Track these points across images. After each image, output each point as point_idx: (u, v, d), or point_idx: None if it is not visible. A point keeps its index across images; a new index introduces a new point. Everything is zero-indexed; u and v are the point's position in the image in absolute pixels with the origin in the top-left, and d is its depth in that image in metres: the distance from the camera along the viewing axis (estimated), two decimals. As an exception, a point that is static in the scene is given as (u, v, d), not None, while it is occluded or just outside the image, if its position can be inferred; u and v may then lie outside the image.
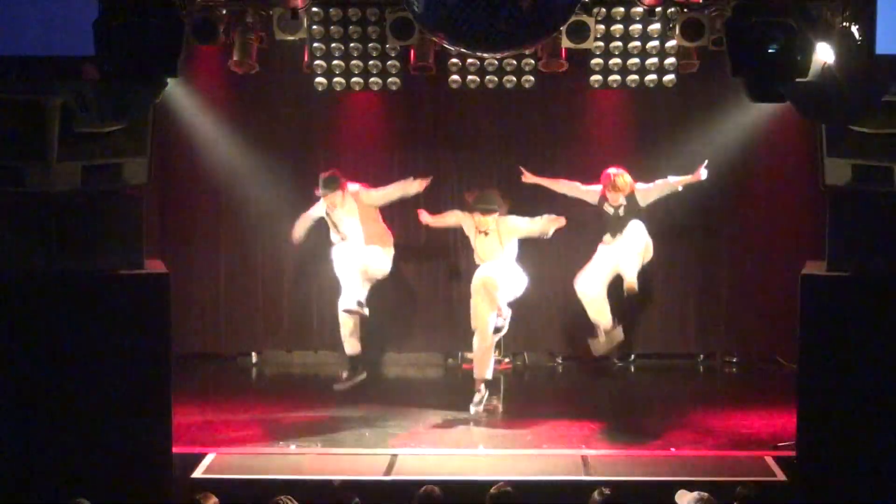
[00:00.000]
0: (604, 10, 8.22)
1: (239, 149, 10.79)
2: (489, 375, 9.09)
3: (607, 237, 9.41)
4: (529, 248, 10.21)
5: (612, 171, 9.33)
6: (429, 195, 10.88)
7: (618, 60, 8.41)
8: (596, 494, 6.00)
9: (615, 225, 9.33)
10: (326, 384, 9.50)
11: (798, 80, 6.34)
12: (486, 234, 9.08)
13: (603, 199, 9.36)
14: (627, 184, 9.28)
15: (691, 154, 10.73)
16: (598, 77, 8.52)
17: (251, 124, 10.76)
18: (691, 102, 10.57)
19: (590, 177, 10.62)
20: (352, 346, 9.41)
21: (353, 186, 9.44)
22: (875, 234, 7.22)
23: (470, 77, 8.68)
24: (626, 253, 9.18)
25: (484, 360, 9.05)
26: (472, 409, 8.98)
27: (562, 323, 10.21)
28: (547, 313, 10.77)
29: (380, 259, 9.50)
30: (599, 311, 9.32)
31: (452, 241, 10.80)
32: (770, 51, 6.21)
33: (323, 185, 9.32)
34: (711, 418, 8.99)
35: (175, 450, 7.54)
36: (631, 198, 9.33)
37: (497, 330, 9.13)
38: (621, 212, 9.31)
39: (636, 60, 8.41)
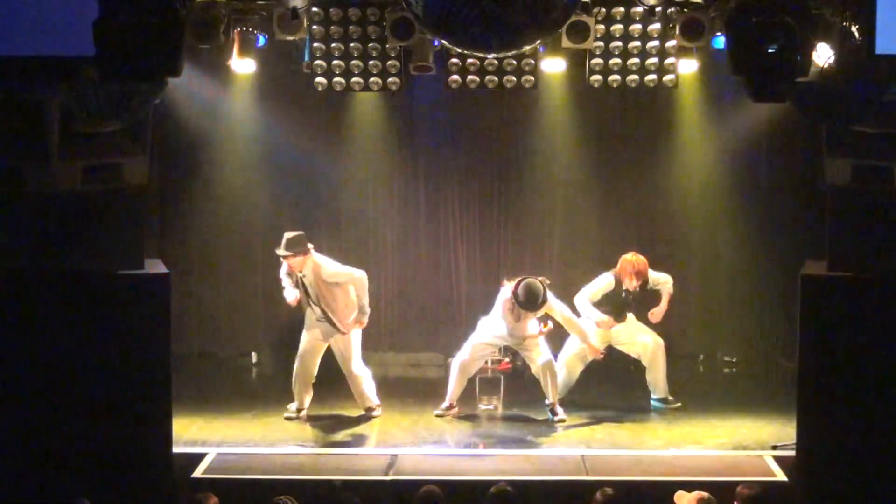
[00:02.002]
0: (604, 10, 8.21)
1: (238, 148, 10.79)
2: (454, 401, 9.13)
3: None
4: (530, 251, 10.26)
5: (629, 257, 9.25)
6: (429, 196, 10.91)
7: (618, 60, 8.39)
8: (598, 494, 6.00)
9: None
10: (326, 384, 9.48)
11: (798, 79, 6.33)
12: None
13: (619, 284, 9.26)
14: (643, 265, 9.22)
15: (691, 154, 10.76)
16: (598, 77, 8.50)
17: (251, 124, 10.75)
18: (691, 102, 10.57)
19: (587, 176, 10.67)
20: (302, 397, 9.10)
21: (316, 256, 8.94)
22: (875, 234, 7.21)
23: (470, 77, 8.67)
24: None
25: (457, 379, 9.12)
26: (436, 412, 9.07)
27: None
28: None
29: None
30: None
31: (453, 241, 10.82)
32: (770, 51, 6.20)
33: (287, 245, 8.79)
34: (711, 418, 8.99)
35: (175, 450, 7.54)
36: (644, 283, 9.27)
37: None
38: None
39: (636, 60, 8.40)
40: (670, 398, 9.32)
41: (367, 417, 9.01)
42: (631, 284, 9.19)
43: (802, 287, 7.30)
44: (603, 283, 9.25)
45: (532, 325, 8.96)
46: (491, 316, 9.07)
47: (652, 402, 9.34)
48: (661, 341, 9.31)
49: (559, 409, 8.95)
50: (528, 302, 8.72)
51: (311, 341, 9.04)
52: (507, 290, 8.90)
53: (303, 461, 8.00)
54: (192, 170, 10.84)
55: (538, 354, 8.96)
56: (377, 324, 11.01)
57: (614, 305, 9.27)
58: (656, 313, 9.31)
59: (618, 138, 10.85)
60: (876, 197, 7.12)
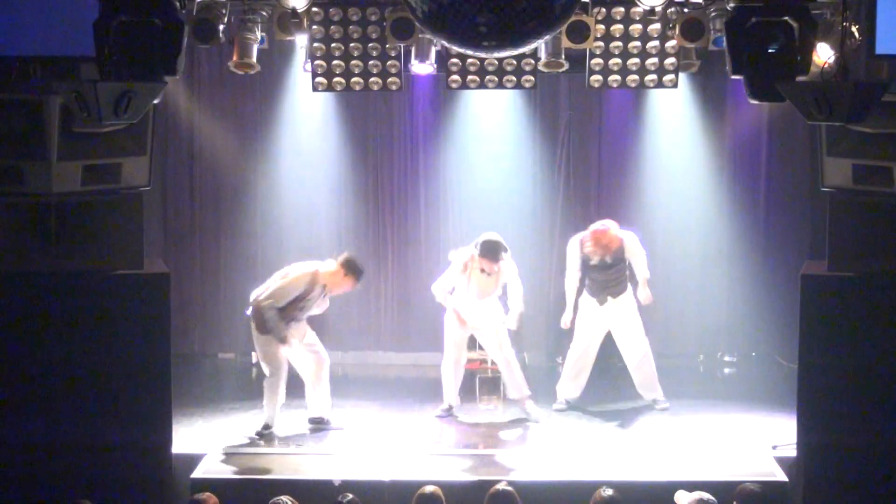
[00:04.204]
0: (604, 10, 8.22)
1: (239, 149, 10.79)
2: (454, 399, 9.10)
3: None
4: (529, 250, 10.26)
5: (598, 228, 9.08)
6: (429, 195, 10.91)
7: (618, 60, 8.40)
8: (597, 494, 6.00)
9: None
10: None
11: (798, 79, 6.33)
12: (489, 274, 8.92)
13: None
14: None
15: (691, 154, 10.77)
16: (598, 77, 8.51)
17: (251, 124, 10.76)
18: (691, 102, 10.58)
19: (587, 176, 10.69)
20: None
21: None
22: (875, 234, 7.21)
23: (470, 77, 8.67)
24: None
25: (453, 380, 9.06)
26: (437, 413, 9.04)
27: (561, 323, 10.18)
28: (546, 314, 10.76)
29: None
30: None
31: (453, 241, 10.80)
32: (770, 51, 6.20)
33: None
34: (711, 418, 8.99)
35: (175, 450, 7.55)
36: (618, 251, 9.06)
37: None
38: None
39: (636, 60, 8.40)
40: (660, 399, 9.25)
41: (367, 417, 8.99)
42: (590, 250, 9.05)
43: (802, 287, 7.31)
44: (571, 247, 9.20)
45: (489, 306, 8.91)
46: (453, 294, 8.96)
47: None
48: (646, 348, 9.19)
49: (529, 406, 8.93)
50: (491, 248, 8.68)
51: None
52: (457, 257, 8.86)
53: (303, 461, 8.00)
54: (192, 170, 10.84)
55: (497, 344, 8.91)
56: (377, 324, 11.03)
57: (591, 280, 9.14)
58: (643, 298, 9.11)
59: (618, 138, 10.85)
60: (876, 197, 7.12)
